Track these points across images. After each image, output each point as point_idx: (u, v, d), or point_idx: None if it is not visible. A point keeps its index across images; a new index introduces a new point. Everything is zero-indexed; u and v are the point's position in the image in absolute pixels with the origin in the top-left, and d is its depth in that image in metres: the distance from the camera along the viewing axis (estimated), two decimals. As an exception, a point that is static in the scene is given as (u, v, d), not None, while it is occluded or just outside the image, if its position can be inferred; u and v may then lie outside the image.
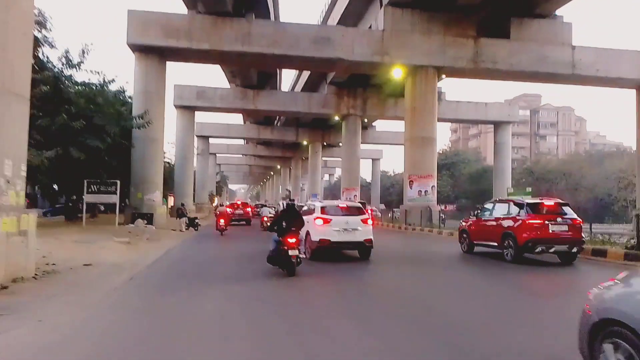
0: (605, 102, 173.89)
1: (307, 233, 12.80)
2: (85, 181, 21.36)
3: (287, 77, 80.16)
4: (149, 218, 25.20)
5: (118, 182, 21.74)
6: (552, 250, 11.94)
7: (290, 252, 9.81)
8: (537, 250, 11.87)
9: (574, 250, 12.09)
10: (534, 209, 12.22)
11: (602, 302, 3.41)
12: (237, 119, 64.39)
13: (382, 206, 65.33)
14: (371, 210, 29.76)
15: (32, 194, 56.92)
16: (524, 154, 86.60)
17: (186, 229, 25.50)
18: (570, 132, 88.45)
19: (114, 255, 13.86)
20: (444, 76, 28.66)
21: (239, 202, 36.47)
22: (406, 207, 28.15)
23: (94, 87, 22.03)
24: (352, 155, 42.24)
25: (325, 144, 61.27)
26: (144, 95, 25.76)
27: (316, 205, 14.06)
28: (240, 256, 14.51)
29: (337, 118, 42.47)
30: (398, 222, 30.11)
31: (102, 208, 44.21)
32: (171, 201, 42.52)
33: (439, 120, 47.24)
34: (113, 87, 23.99)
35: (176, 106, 40.88)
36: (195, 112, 42.43)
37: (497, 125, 44.86)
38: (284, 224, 10.25)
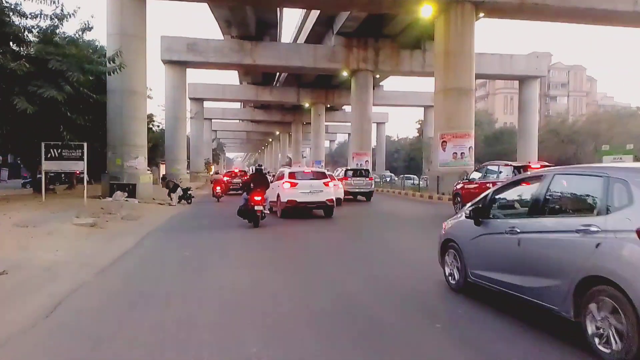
0: (612, 61, 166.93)
1: (278, 195, 14.74)
2: (42, 144, 16.44)
3: (289, 29, 72.91)
4: (131, 190, 20.36)
5: (85, 144, 16.76)
6: None
7: (256, 208, 12.13)
8: None
9: None
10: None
11: (446, 229, 6.31)
12: (233, 78, 58.75)
13: (388, 172, 60.74)
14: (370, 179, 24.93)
15: (13, 162, 51.98)
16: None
17: (178, 202, 20.74)
18: (581, 93, 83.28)
19: (59, 247, 9.10)
20: (482, 15, 23.40)
21: (236, 170, 32.88)
22: (437, 172, 23.31)
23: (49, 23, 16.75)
24: (362, 115, 37.19)
25: (328, 106, 55.99)
26: (120, 37, 20.52)
27: (285, 171, 15.98)
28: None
29: (345, 74, 37.20)
30: (426, 191, 25.34)
31: (86, 177, 39.32)
32: (162, 169, 37.66)
33: None
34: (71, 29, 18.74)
35: (164, 61, 35.46)
36: (187, 70, 37.02)
37: (523, 80, 39.72)
38: (252, 185, 12.58)
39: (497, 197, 5.56)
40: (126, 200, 19.28)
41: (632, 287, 3.44)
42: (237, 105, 70.52)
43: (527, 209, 4.91)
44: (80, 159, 16.55)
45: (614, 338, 3.61)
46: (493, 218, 5.37)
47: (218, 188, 22.83)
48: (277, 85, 53.73)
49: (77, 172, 28.26)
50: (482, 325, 4.64)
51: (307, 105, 53.43)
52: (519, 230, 4.73)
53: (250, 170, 30.80)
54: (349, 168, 25.53)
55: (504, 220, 5.19)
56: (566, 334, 4.14)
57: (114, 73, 17.80)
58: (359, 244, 10.78)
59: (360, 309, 5.26)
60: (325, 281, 6.65)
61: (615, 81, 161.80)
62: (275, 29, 37.37)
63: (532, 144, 39.04)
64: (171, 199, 20.50)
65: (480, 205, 5.55)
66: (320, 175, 15.33)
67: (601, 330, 3.73)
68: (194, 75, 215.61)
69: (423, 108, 55.86)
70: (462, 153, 22.59)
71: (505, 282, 4.89)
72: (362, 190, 22.57)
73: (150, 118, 37.41)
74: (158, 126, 38.98)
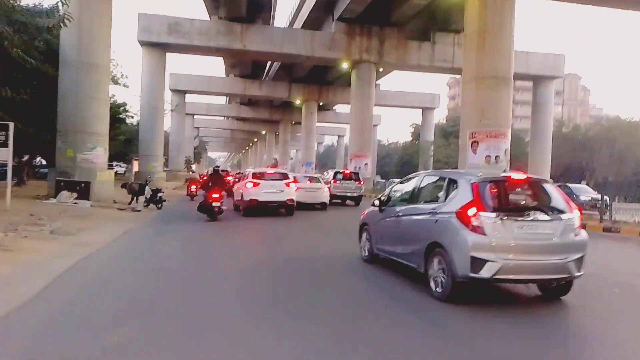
0: (603, 71, 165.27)
1: (242, 194, 15.66)
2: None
3: (283, 14, 67.14)
4: (84, 189, 15.59)
5: (11, 125, 11.95)
6: None
7: (214, 204, 13.52)
8: None
9: None
10: None
11: (364, 216, 8.26)
12: (219, 70, 53.87)
13: (379, 178, 56.56)
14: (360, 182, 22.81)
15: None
16: (527, 123, 78.18)
17: (146, 206, 16.05)
18: (576, 102, 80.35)
19: None
20: (522, -9, 19.20)
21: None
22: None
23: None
24: (363, 112, 32.73)
25: (320, 104, 51.48)
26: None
27: (249, 171, 17.86)
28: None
29: (345, 65, 32.73)
30: None
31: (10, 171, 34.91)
32: (135, 166, 32.72)
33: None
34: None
35: (142, 43, 30.56)
36: (168, 54, 32.17)
37: (538, 80, 35.81)
38: (210, 184, 13.95)
39: (393, 191, 7.76)
40: (75, 203, 14.55)
41: (449, 247, 5.57)
42: (222, 101, 65.69)
43: (407, 198, 7.05)
44: (3, 144, 11.72)
45: (442, 282, 5.64)
46: (390, 206, 7.37)
47: (193, 187, 21.99)
48: (267, 79, 49.03)
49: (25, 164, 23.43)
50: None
51: (298, 102, 48.89)
52: (400, 214, 6.90)
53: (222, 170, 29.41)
54: (338, 170, 24.83)
55: (394, 208, 7.21)
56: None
57: (56, 30, 13.13)
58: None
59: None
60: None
61: (606, 92, 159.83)
62: (269, 12, 32.78)
63: (546, 149, 35.08)
64: (136, 203, 15.78)
65: (382, 198, 7.73)
66: (283, 176, 16.17)
67: (436, 277, 5.76)
68: (175, 64, 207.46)
69: (421, 110, 51.76)
70: (497, 156, 18.30)
71: (392, 251, 7.06)
72: (350, 194, 22.02)
73: (123, 107, 32.71)
74: (132, 117, 34.10)
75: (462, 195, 5.72)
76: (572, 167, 38.33)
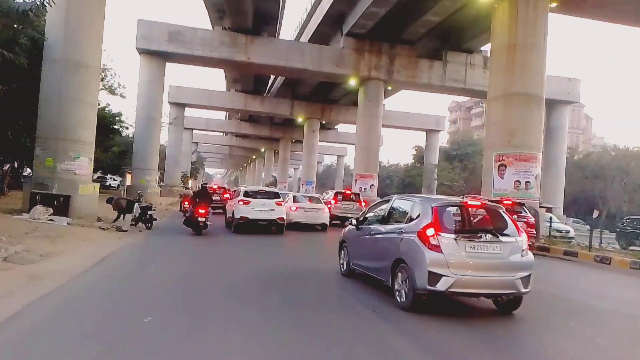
0: (600, 98, 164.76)
1: (233, 212, 15.91)
2: None
3: (289, 28, 65.89)
4: (62, 204, 13.52)
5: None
6: None
7: (199, 219, 13.97)
8: None
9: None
10: None
11: (343, 234, 8.93)
12: (219, 83, 52.19)
13: (378, 199, 54.64)
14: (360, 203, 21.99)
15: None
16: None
17: (133, 225, 14.00)
18: (579, 130, 79.06)
19: None
20: (554, 4, 17.48)
21: (215, 186, 28.19)
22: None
23: None
24: (370, 131, 30.89)
25: (323, 122, 49.80)
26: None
27: (241, 189, 17.45)
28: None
29: (353, 82, 31.02)
30: None
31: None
32: (128, 180, 30.61)
33: (480, 94, 36.02)
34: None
35: (140, 50, 28.80)
36: (168, 64, 30.41)
37: (552, 104, 34.12)
38: (197, 200, 14.37)
39: (369, 212, 8.45)
40: (50, 220, 12.45)
41: (411, 263, 6.18)
42: (222, 116, 63.99)
43: (380, 219, 7.68)
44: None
45: (405, 294, 6.26)
46: (366, 226, 8.01)
47: (186, 203, 19.18)
48: (269, 95, 47.35)
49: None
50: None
51: (300, 120, 47.15)
52: (373, 233, 7.57)
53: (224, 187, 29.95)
54: (338, 191, 25.16)
55: (369, 227, 7.84)
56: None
57: (39, 23, 11.17)
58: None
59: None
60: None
61: (604, 120, 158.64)
62: (275, 24, 31.11)
63: (559, 176, 33.35)
64: (123, 221, 13.72)
65: (360, 217, 8.49)
66: (273, 195, 16.26)
67: (400, 290, 6.39)
68: (174, 77, 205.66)
69: (425, 132, 50.11)
70: (527, 182, 16.37)
71: (366, 266, 7.72)
72: (351, 215, 20.80)
73: (119, 117, 30.82)
74: (127, 128, 32.14)
75: (423, 217, 6.38)
76: (583, 195, 36.53)
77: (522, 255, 6.25)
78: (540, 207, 16.98)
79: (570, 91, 34.21)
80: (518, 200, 14.34)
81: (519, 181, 16.31)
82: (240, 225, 15.28)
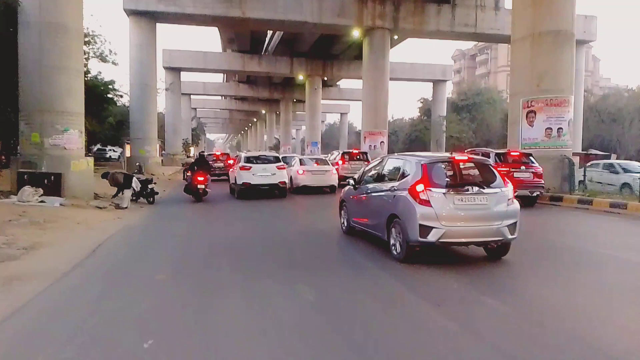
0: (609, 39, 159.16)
1: (235, 178, 16.04)
2: None
3: None
4: (53, 183, 12.21)
5: None
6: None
7: (198, 186, 14.35)
8: None
9: (535, 194, 13.18)
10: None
11: (342, 194, 9.18)
12: (215, 45, 49.92)
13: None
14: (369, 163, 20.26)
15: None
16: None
17: (134, 200, 12.77)
18: (587, 72, 76.25)
19: None
20: None
21: (218, 153, 27.74)
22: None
23: None
24: (378, 85, 29.15)
25: (325, 79, 47.79)
26: None
27: (242, 155, 17.28)
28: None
29: (357, 33, 29.05)
30: None
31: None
32: (128, 151, 29.25)
33: (493, 39, 34.13)
34: None
35: (128, 11, 26.83)
36: (159, 25, 28.47)
37: (568, 45, 32.10)
38: (195, 168, 14.72)
39: (366, 171, 8.63)
40: (41, 202, 11.17)
41: (403, 217, 6.54)
42: (219, 79, 61.85)
43: (375, 178, 8.00)
44: None
45: (399, 246, 6.67)
46: (363, 185, 8.29)
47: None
48: (267, 54, 45.18)
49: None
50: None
51: (301, 77, 45.12)
52: (369, 192, 7.90)
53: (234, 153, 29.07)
54: (345, 151, 24.41)
55: (366, 186, 8.13)
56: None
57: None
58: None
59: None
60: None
61: (613, 61, 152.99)
62: (270, -25, 28.89)
63: (577, 121, 31.49)
64: (122, 197, 12.46)
65: (356, 177, 8.75)
66: (274, 160, 16.25)
67: (395, 243, 6.79)
68: (167, 40, 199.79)
69: (432, 83, 48.08)
70: (559, 129, 14.92)
71: (364, 223, 8.04)
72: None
73: (111, 85, 29.18)
74: (122, 96, 30.51)
75: (413, 174, 6.70)
76: (600, 140, 34.96)
77: (507, 205, 6.58)
78: (573, 154, 15.57)
79: (587, 30, 32.11)
80: (525, 151, 14.06)
81: (550, 128, 14.87)
82: (243, 191, 15.47)
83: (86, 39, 35.92)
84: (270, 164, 15.85)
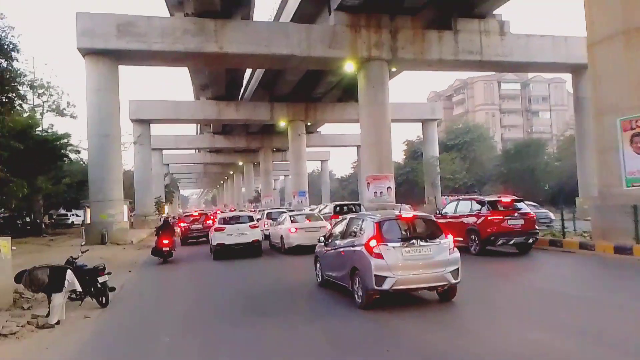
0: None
1: (211, 239, 16.44)
2: None
3: (264, 10, 58.13)
4: None
5: None
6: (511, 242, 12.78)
7: (164, 249, 14.89)
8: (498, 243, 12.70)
9: (530, 241, 12.97)
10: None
11: (316, 250, 10.13)
12: (187, 93, 45.46)
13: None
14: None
15: None
16: (516, 133, 72.37)
17: (77, 299, 7.44)
18: (563, 107, 75.04)
19: None
20: None
21: (195, 213, 25.10)
22: (616, 198, 11.14)
23: None
24: (378, 122, 24.89)
25: (308, 124, 43.66)
26: None
27: (218, 216, 18.47)
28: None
29: (351, 66, 25.00)
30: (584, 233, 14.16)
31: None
32: (87, 216, 23.82)
33: (499, 66, 29.10)
34: None
35: (83, 51, 22.02)
36: (121, 67, 23.77)
37: (580, 70, 28.69)
38: (160, 232, 15.51)
39: (333, 228, 9.53)
40: None
41: (362, 269, 7.36)
42: (193, 131, 57.21)
43: (340, 235, 8.81)
44: None
45: (361, 294, 7.40)
46: (331, 241, 9.10)
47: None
48: (244, 100, 40.93)
49: None
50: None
51: (282, 124, 40.90)
52: (336, 247, 8.72)
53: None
54: (338, 203, 22.74)
55: (334, 242, 8.95)
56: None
57: None
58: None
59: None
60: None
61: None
62: (249, 4, 24.87)
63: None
64: (50, 308, 7.16)
65: (326, 235, 9.65)
66: (247, 219, 16.56)
67: (357, 290, 7.53)
68: (132, 89, 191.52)
69: (421, 123, 44.45)
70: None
71: (333, 275, 8.79)
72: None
73: (65, 139, 24.08)
74: (78, 151, 25.42)
75: (368, 231, 7.61)
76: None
77: (449, 254, 7.43)
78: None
79: None
80: (515, 197, 14.14)
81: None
82: (218, 251, 15.62)
83: (40, 91, 31.18)
84: (243, 224, 16.10)
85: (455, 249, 7.57)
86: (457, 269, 7.37)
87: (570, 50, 27.40)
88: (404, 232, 7.55)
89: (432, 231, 7.63)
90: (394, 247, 7.17)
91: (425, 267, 7.22)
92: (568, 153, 39.60)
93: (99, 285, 8.22)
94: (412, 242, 7.25)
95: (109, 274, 8.57)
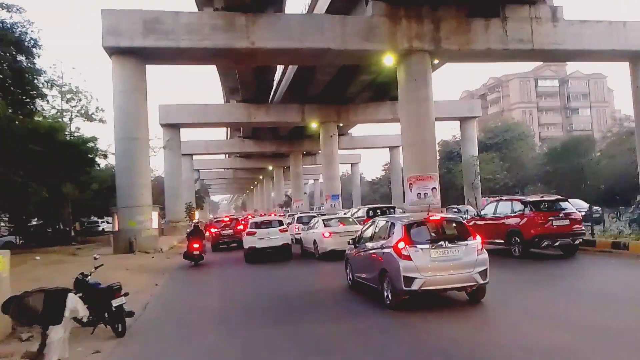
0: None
1: (243, 242, 17.00)
2: None
3: (296, 3, 55.89)
4: None
5: None
6: (556, 244, 12.40)
7: (194, 253, 15.62)
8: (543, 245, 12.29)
9: (577, 242, 12.54)
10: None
11: (346, 252, 10.48)
12: (216, 97, 44.38)
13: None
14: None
15: None
16: (555, 131, 68.89)
17: (88, 323, 5.69)
18: (604, 104, 71.19)
19: None
20: None
21: (226, 219, 24.15)
22: None
23: None
24: (421, 119, 22.91)
25: (340, 125, 41.83)
26: None
27: (250, 221, 17.75)
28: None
29: (390, 59, 23.07)
30: None
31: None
32: (115, 224, 22.58)
33: (551, 55, 25.95)
34: None
35: (109, 50, 20.82)
36: (149, 67, 22.47)
37: (638, 58, 26.07)
38: (190, 237, 16.22)
39: (363, 231, 9.65)
40: None
41: (391, 271, 7.55)
42: (222, 136, 56.17)
43: (370, 237, 9.01)
44: None
45: (390, 295, 7.61)
46: (361, 244, 9.30)
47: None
48: (275, 102, 39.42)
49: None
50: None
51: (314, 125, 39.27)
52: (365, 249, 8.90)
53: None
54: (370, 206, 22.73)
55: (363, 244, 9.13)
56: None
57: None
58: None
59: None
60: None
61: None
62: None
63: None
64: (46, 346, 5.43)
65: (355, 237, 9.81)
66: (277, 224, 16.99)
67: (387, 291, 7.70)
68: (162, 95, 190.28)
69: (458, 121, 42.14)
70: None
71: (363, 277, 8.96)
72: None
73: (92, 143, 22.95)
74: (105, 156, 24.28)
75: (396, 234, 7.75)
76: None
77: (477, 255, 7.51)
78: None
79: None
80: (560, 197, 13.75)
81: None
82: (250, 255, 16.10)
83: (68, 96, 30.33)
84: (273, 228, 16.54)
85: (484, 250, 7.70)
86: (486, 269, 7.48)
87: (629, 36, 24.84)
88: (432, 234, 7.73)
89: (460, 233, 7.79)
90: (422, 249, 7.37)
91: (454, 268, 7.35)
92: (620, 150, 36.68)
93: (113, 309, 6.57)
94: (440, 243, 7.42)
95: (126, 294, 6.91)
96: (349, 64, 28.17)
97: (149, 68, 22.67)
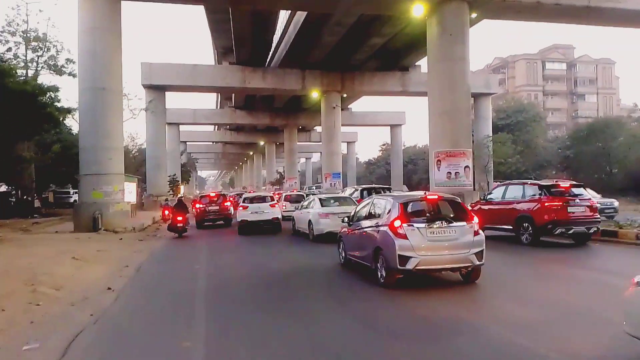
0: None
1: (236, 216, 17.84)
2: None
3: None
4: None
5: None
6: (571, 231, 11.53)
7: (178, 225, 15.70)
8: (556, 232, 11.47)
9: (592, 230, 11.76)
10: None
11: (340, 231, 10.09)
12: (207, 58, 39.51)
13: (405, 188, 42.78)
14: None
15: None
16: (560, 117, 65.32)
17: None
18: (611, 90, 67.68)
19: None
20: None
21: (212, 194, 22.39)
22: None
23: None
24: (454, 84, 18.67)
25: (344, 95, 37.39)
26: None
27: (243, 196, 19.34)
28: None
29: (420, 8, 18.77)
30: None
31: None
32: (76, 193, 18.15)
33: (610, 16, 22.60)
34: None
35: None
36: (123, 1, 17.89)
37: None
38: (175, 210, 16.16)
39: (357, 210, 9.32)
40: None
41: (385, 249, 7.26)
42: (212, 104, 51.37)
43: (364, 216, 8.67)
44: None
45: (384, 273, 7.33)
46: (355, 222, 8.98)
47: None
48: (272, 66, 34.79)
49: None
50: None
51: (315, 94, 34.83)
52: (360, 228, 8.58)
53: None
54: (365, 187, 20.54)
55: (357, 222, 8.83)
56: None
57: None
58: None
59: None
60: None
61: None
62: None
63: None
64: None
65: (350, 216, 9.40)
66: (268, 199, 17.96)
67: (380, 270, 7.43)
68: (147, 54, 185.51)
69: (472, 98, 37.94)
70: None
71: (356, 255, 8.70)
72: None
73: (52, 93, 18.43)
74: (69, 111, 19.75)
75: (392, 212, 7.46)
76: None
77: (474, 235, 7.28)
78: None
79: None
80: (574, 183, 12.80)
81: None
82: (242, 227, 16.78)
83: (34, 44, 25.52)
84: (264, 203, 17.45)
85: (481, 232, 7.48)
86: (482, 250, 7.31)
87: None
88: (428, 214, 7.53)
89: (457, 213, 7.53)
90: (418, 227, 7.15)
91: (450, 248, 7.20)
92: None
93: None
94: (436, 223, 7.22)
95: None
96: (363, 20, 23.80)
97: (126, 9, 18.04)
